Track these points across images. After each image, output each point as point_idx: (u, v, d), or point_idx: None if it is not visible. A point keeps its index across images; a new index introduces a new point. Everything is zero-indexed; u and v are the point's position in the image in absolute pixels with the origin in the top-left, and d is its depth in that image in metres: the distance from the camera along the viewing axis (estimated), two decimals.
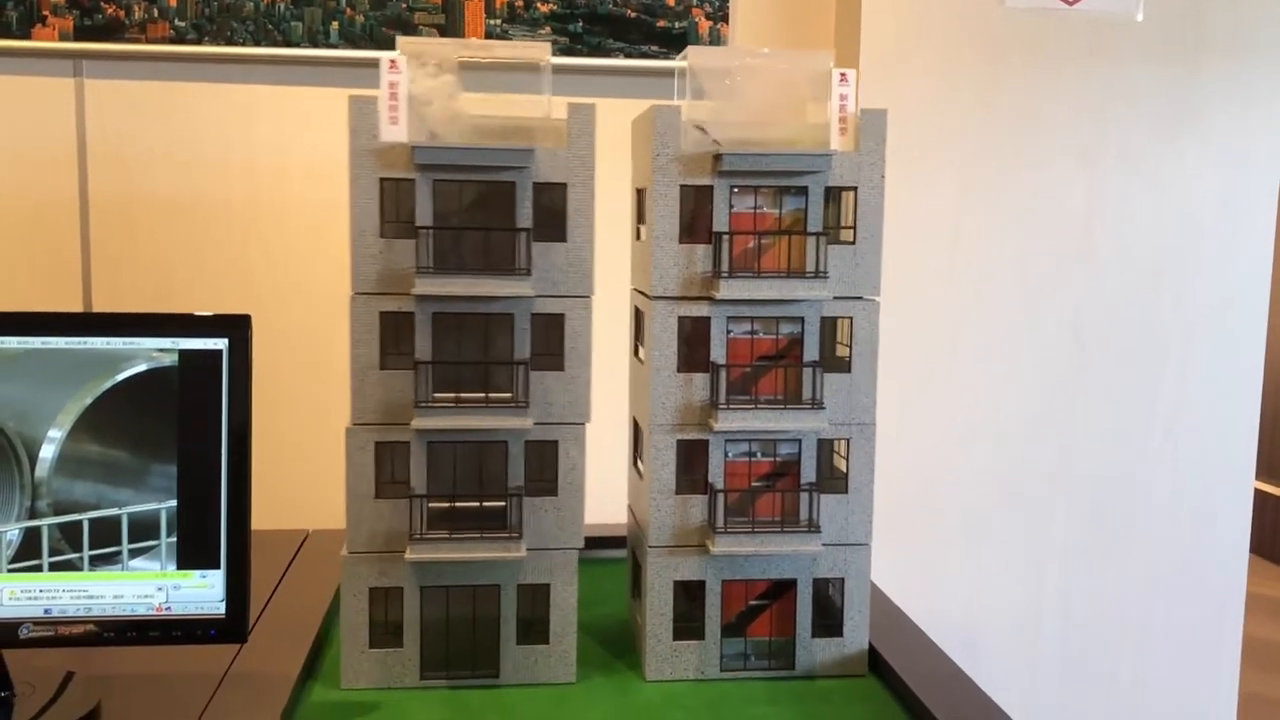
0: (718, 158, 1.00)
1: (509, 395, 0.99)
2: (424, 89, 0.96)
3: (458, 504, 0.99)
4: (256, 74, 1.54)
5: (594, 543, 1.37)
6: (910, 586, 1.62)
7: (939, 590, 1.66)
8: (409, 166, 0.96)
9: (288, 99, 1.54)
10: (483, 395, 0.98)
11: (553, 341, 1.00)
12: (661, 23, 1.62)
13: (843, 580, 1.07)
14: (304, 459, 1.55)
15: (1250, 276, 1.68)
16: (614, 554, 1.32)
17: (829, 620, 1.08)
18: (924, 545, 1.65)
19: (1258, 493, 2.05)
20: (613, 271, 1.17)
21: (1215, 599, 1.72)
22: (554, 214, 0.99)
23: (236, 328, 0.94)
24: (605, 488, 1.24)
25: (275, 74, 1.54)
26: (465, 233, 0.98)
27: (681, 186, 1.01)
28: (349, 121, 0.96)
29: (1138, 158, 1.64)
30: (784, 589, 1.07)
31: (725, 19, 1.64)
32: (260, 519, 1.54)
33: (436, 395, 0.98)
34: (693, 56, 1.04)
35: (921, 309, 1.61)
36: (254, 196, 1.57)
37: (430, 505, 0.99)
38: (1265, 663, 2.83)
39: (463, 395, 0.99)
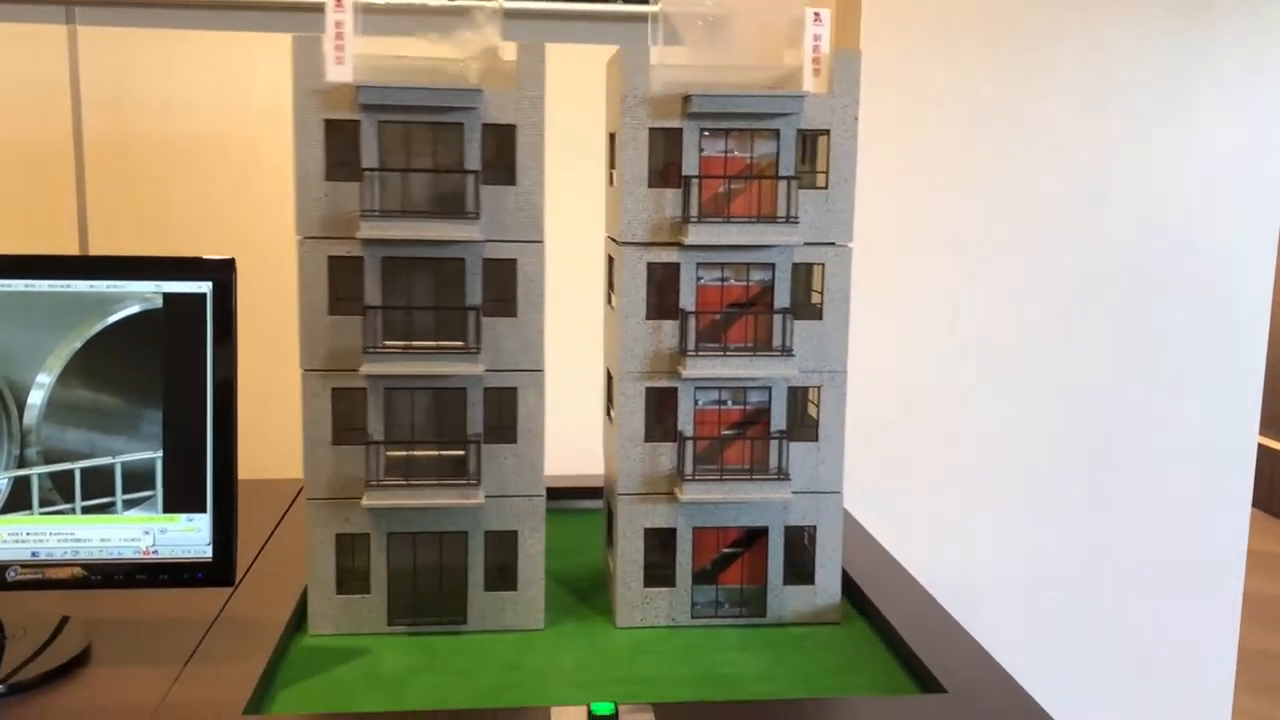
0: (687, 99, 0.97)
1: (461, 342, 0.98)
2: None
3: (418, 452, 0.99)
4: (251, 20, 1.52)
5: (576, 493, 1.38)
6: (904, 537, 1.61)
7: (935, 541, 1.65)
8: (354, 108, 0.95)
9: (282, 44, 1.53)
10: (434, 341, 0.97)
11: (505, 287, 0.98)
12: None
13: (814, 528, 1.06)
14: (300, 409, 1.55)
15: (1258, 224, 1.64)
16: (595, 504, 1.32)
17: (801, 569, 1.07)
18: (921, 495, 1.63)
19: (1261, 448, 2.01)
20: (596, 220, 1.15)
21: (1217, 553, 1.70)
22: (504, 157, 0.97)
23: (220, 271, 0.94)
24: (589, 438, 1.23)
25: (269, 20, 1.52)
26: (413, 176, 0.96)
27: (650, 129, 0.99)
28: (292, 61, 0.94)
29: (1146, 103, 1.59)
30: (756, 537, 1.06)
31: None
32: (258, 468, 1.56)
33: (386, 341, 0.97)
34: None
35: (924, 254, 1.58)
36: (250, 141, 1.56)
37: (390, 453, 0.98)
38: (1266, 618, 2.80)
39: (413, 341, 0.97)
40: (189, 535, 0.94)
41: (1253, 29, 1.59)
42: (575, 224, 1.26)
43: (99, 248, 1.56)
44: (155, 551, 0.94)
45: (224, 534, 0.94)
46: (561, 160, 1.33)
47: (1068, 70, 1.56)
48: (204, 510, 0.94)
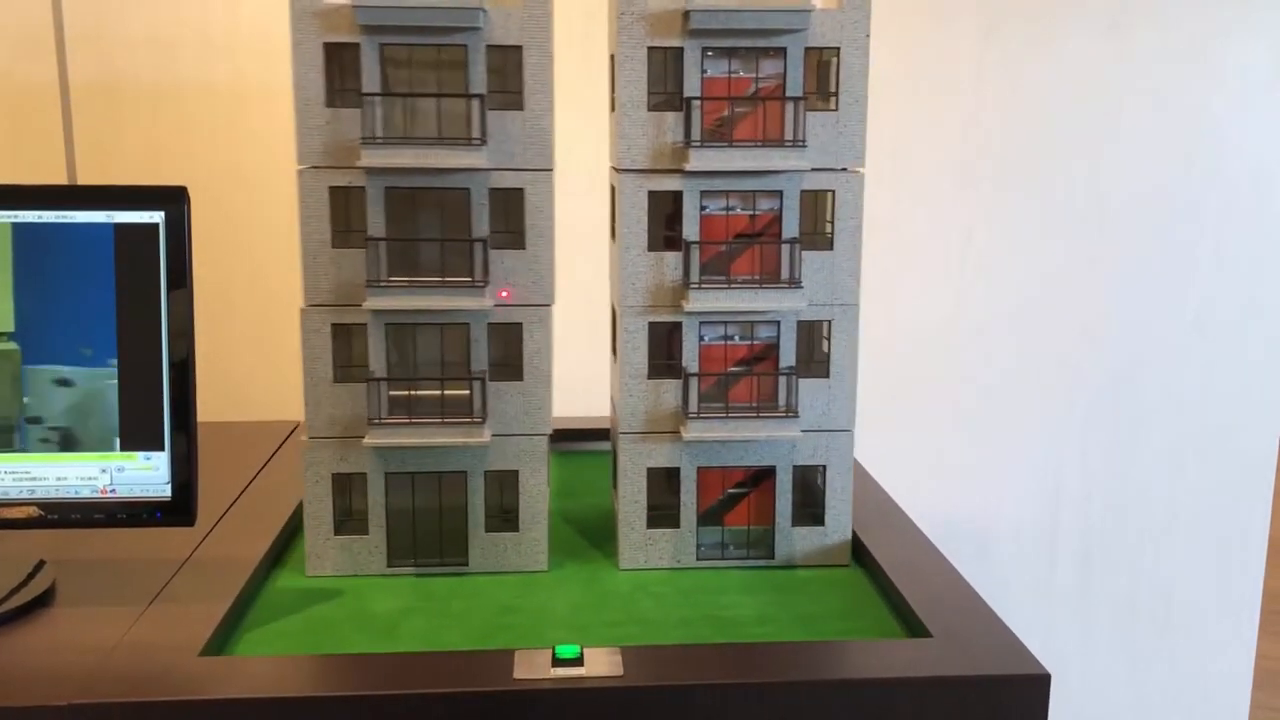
0: (687, 16, 0.92)
1: (467, 276, 0.94)
2: None
3: (420, 390, 0.96)
4: None
5: (589, 434, 1.35)
6: (916, 480, 1.58)
7: (949, 484, 1.61)
8: (354, 30, 0.90)
9: None
10: (440, 275, 0.94)
11: (512, 218, 0.94)
12: None
13: (824, 468, 1.03)
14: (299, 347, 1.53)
15: None
16: (606, 446, 1.29)
17: (811, 509, 1.04)
18: (933, 436, 1.60)
19: None
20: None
21: (1242, 494, 1.66)
22: (510, 80, 0.93)
23: (172, 200, 0.90)
24: (601, 378, 1.20)
25: None
26: (417, 103, 0.92)
27: (649, 49, 0.94)
28: None
29: (1173, 26, 1.52)
30: (764, 477, 1.03)
31: None
32: (254, 409, 1.54)
33: (391, 275, 0.93)
34: None
35: (938, 185, 1.53)
36: (238, 77, 1.52)
37: (393, 391, 0.95)
38: None
39: (418, 275, 0.94)
40: (147, 474, 0.91)
41: None
42: (596, 156, 1.21)
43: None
44: (113, 490, 0.91)
45: (183, 473, 0.91)
46: (583, 88, 1.28)
47: None
48: (161, 449, 0.91)
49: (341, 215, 0.94)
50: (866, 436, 1.57)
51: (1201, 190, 1.57)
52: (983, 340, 1.57)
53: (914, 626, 0.89)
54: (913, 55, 1.49)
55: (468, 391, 0.96)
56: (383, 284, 0.93)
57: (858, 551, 1.05)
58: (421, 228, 0.95)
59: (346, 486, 1.00)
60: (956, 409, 1.59)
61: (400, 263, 0.94)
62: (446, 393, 0.96)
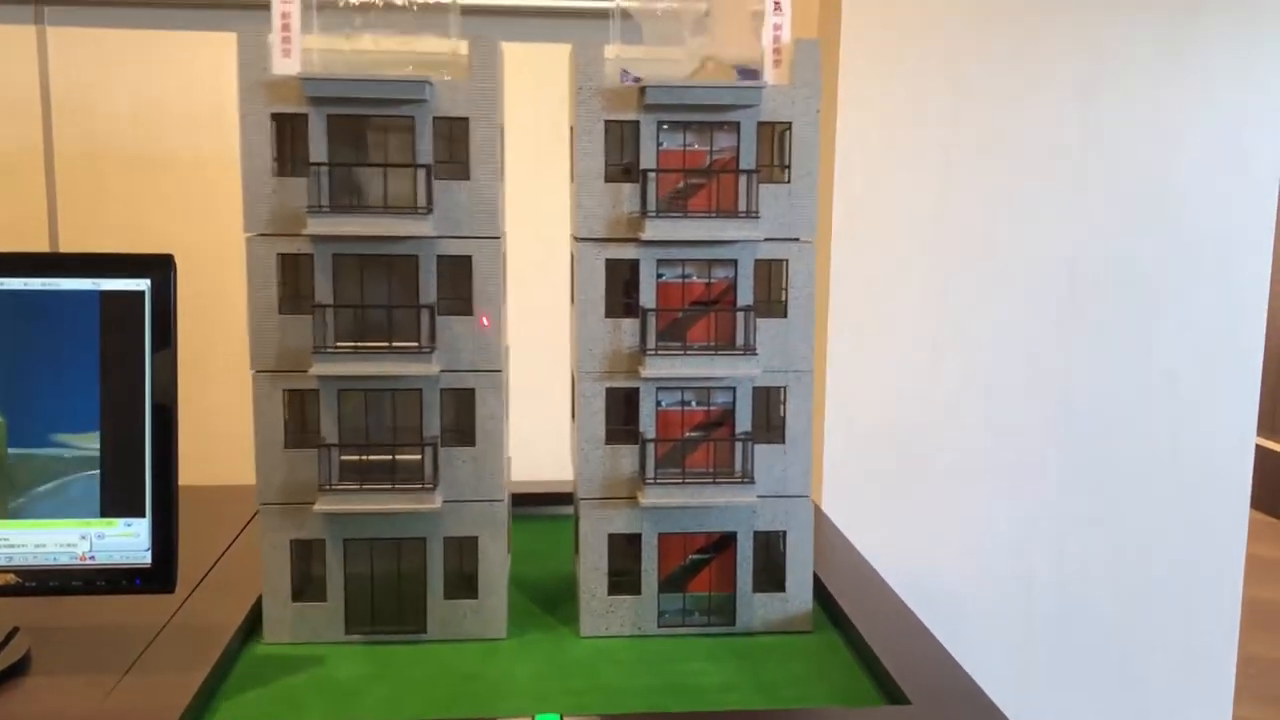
0: (642, 91, 0.95)
1: (415, 342, 0.95)
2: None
3: (373, 455, 0.96)
4: (225, 20, 1.51)
5: (553, 499, 1.35)
6: (890, 543, 1.58)
7: (923, 546, 1.61)
8: (302, 101, 0.92)
9: None
10: (387, 341, 0.95)
11: (460, 285, 0.96)
12: None
13: (784, 534, 1.03)
14: None
15: (1253, 215, 1.60)
16: (570, 510, 1.29)
17: (772, 576, 1.04)
18: (907, 499, 1.60)
19: (1260, 449, 1.97)
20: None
21: (1215, 557, 1.66)
22: (457, 151, 0.95)
23: (158, 268, 0.91)
24: (565, 441, 1.20)
25: (243, 19, 1.50)
26: (364, 171, 0.94)
27: (606, 122, 0.96)
28: (238, 55, 0.92)
29: (1136, 92, 1.56)
30: (726, 544, 1.03)
31: None
32: (230, 474, 1.54)
33: (338, 341, 0.94)
34: None
35: (909, 247, 1.55)
36: (222, 143, 1.54)
37: (344, 456, 0.96)
38: (1267, 623, 2.75)
39: (366, 341, 0.95)
40: (127, 540, 0.91)
41: (1244, 21, 1.55)
42: (558, 224, 1.23)
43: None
44: (92, 557, 0.91)
45: (164, 539, 0.91)
46: (543, 159, 1.30)
47: (1057, 61, 1.53)
48: (143, 515, 0.91)
49: (290, 282, 0.95)
50: (840, 499, 1.58)
51: (1167, 256, 1.60)
52: (955, 404, 1.59)
53: (891, 692, 0.88)
54: (882, 123, 1.52)
55: (420, 457, 0.96)
56: (330, 350, 0.94)
57: (832, 614, 1.06)
58: (369, 294, 0.96)
59: (306, 553, 1.00)
60: (930, 472, 1.60)
61: (348, 328, 0.95)
62: (398, 458, 0.96)
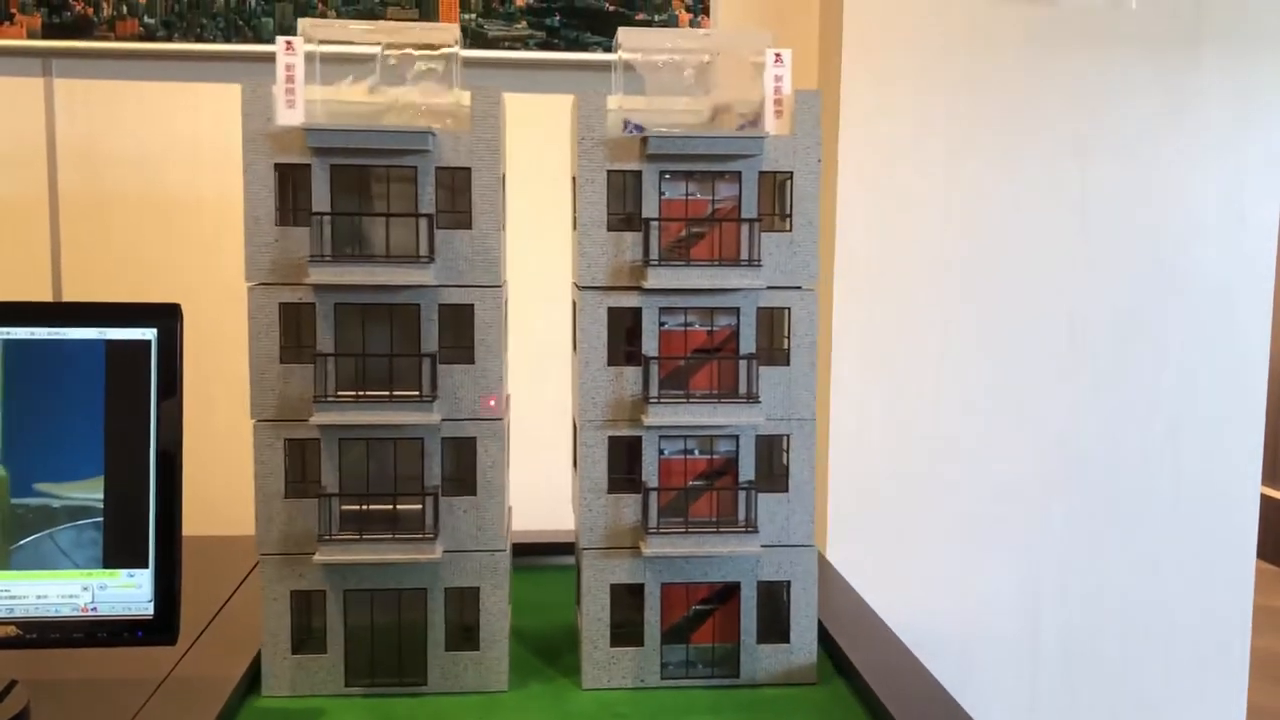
0: (645, 141, 0.96)
1: (415, 390, 0.95)
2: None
3: (373, 505, 0.96)
4: (228, 71, 1.52)
5: (554, 548, 1.34)
6: (896, 593, 1.57)
7: (928, 597, 1.60)
8: (305, 151, 0.93)
9: None
10: (388, 390, 0.95)
11: (462, 334, 0.96)
12: (640, 16, 1.59)
13: (788, 584, 1.02)
14: None
15: (1253, 268, 1.61)
16: (571, 560, 1.28)
17: (776, 626, 1.03)
18: (912, 550, 1.59)
19: (1265, 499, 1.95)
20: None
21: (1222, 608, 1.64)
22: (459, 200, 0.95)
23: (165, 317, 0.91)
24: (564, 491, 1.20)
25: (247, 71, 1.52)
26: (366, 220, 0.95)
27: (609, 172, 0.97)
28: (241, 105, 0.92)
29: (1135, 148, 1.57)
30: (729, 594, 1.02)
31: (706, 11, 1.60)
32: (231, 525, 1.53)
33: (339, 390, 0.94)
34: (624, 38, 1.00)
35: (911, 302, 1.55)
36: (226, 194, 1.55)
37: (345, 506, 0.95)
38: (1275, 673, 2.71)
39: (367, 390, 0.95)
40: (130, 591, 0.90)
41: (1240, 68, 1.57)
42: (561, 273, 1.24)
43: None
44: (94, 609, 0.90)
45: (167, 590, 0.91)
46: (543, 208, 1.31)
47: (1054, 115, 1.55)
48: (146, 566, 0.90)
49: (291, 331, 0.95)
50: (843, 546, 1.57)
51: (1165, 307, 1.60)
52: (958, 452, 1.58)
53: None
54: (883, 173, 1.53)
55: (420, 506, 0.96)
56: (331, 399, 0.94)
57: (838, 664, 1.04)
58: (370, 342, 0.96)
59: (306, 604, 0.99)
60: (933, 520, 1.59)
61: (349, 377, 0.95)
62: (399, 508, 0.95)
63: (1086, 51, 1.54)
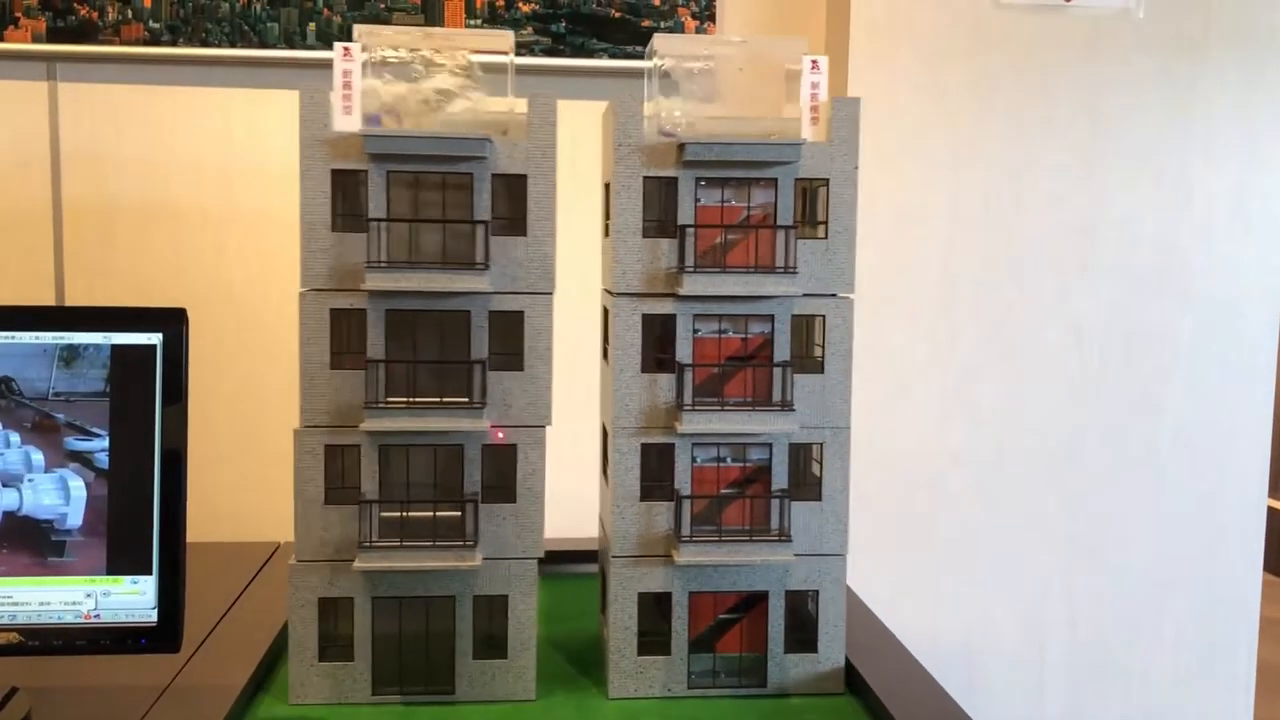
0: (681, 148, 0.95)
1: (465, 397, 0.94)
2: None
3: (411, 511, 0.95)
4: (232, 76, 1.51)
5: (574, 556, 1.34)
6: (904, 603, 1.57)
7: (935, 608, 1.60)
8: (362, 158, 0.93)
9: (264, 101, 1.52)
10: (438, 397, 0.94)
11: (512, 340, 0.95)
12: (646, 22, 1.59)
13: (817, 593, 1.02)
14: (284, 468, 1.51)
15: (1260, 279, 1.62)
16: (593, 568, 1.27)
17: (803, 635, 1.03)
18: (919, 561, 1.59)
19: (1273, 512, 1.96)
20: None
21: (1229, 619, 1.65)
22: (514, 207, 0.95)
23: (171, 322, 0.90)
24: (589, 499, 1.19)
25: (251, 76, 1.51)
26: (421, 227, 0.94)
27: (645, 178, 0.97)
28: (300, 111, 0.92)
29: (1140, 158, 1.58)
30: (756, 602, 1.02)
31: (712, 18, 1.60)
32: (235, 530, 1.52)
33: (389, 397, 0.93)
34: (659, 44, 1.00)
35: (918, 313, 1.55)
36: (230, 200, 1.54)
37: (385, 513, 0.94)
38: None
39: (417, 397, 0.94)
40: (133, 598, 0.89)
41: (1247, 77, 1.58)
42: (592, 280, 1.24)
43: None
44: (97, 615, 0.89)
45: (171, 597, 0.89)
46: (576, 215, 1.31)
47: (1062, 119, 1.55)
48: (150, 572, 0.89)
49: (341, 337, 0.94)
50: (850, 556, 1.57)
51: (1175, 320, 1.61)
52: (965, 466, 1.58)
53: None
54: (892, 187, 1.53)
55: (460, 513, 0.95)
56: (380, 405, 0.93)
57: (851, 678, 1.04)
58: (420, 349, 0.95)
59: (332, 611, 0.98)
60: (941, 534, 1.59)
61: (398, 384, 0.95)
62: (439, 514, 0.95)
63: (1094, 59, 1.55)
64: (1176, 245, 1.60)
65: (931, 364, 1.57)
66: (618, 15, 1.58)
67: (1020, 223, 1.56)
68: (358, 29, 0.95)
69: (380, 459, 0.95)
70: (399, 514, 0.94)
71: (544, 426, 0.97)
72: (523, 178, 0.95)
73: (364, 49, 0.91)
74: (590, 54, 1.57)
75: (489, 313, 0.95)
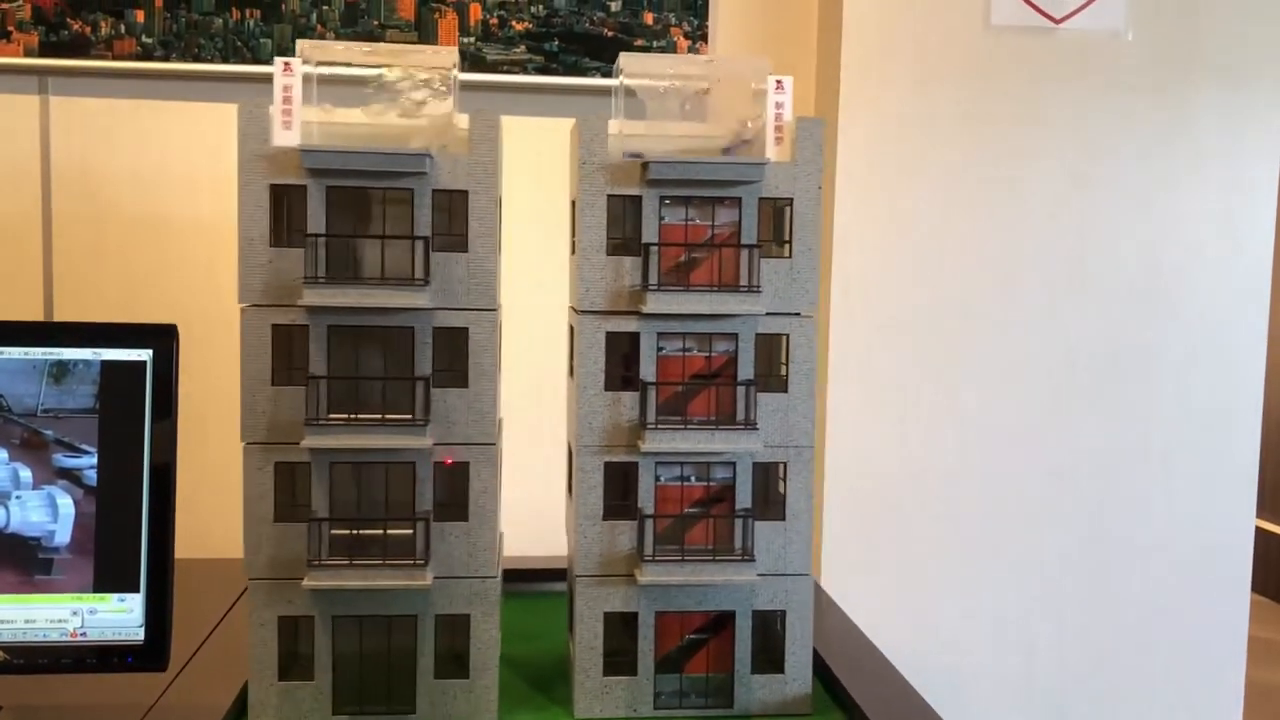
0: (645, 166, 0.95)
1: (408, 414, 0.94)
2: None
3: (364, 530, 0.94)
4: (225, 91, 1.52)
5: (545, 575, 1.33)
6: (890, 621, 1.55)
7: (922, 625, 1.58)
8: (302, 173, 0.92)
9: None
10: (381, 414, 0.93)
11: (456, 357, 0.95)
12: (639, 42, 1.59)
13: (784, 613, 1.01)
14: None
15: (1248, 298, 1.61)
16: (562, 586, 1.27)
17: (772, 656, 1.02)
18: (905, 579, 1.57)
19: (1260, 532, 1.95)
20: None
21: (1216, 638, 1.63)
22: (455, 223, 0.94)
23: (161, 338, 0.90)
24: (562, 516, 1.19)
25: (244, 92, 1.51)
26: (361, 243, 0.94)
27: (609, 196, 0.97)
28: (238, 126, 0.92)
29: (1131, 176, 1.57)
30: (724, 623, 1.01)
31: (704, 38, 1.60)
32: (221, 546, 1.51)
33: (332, 413, 0.93)
34: (626, 63, 1.00)
35: (907, 329, 1.55)
36: (222, 214, 1.54)
37: (335, 531, 0.94)
38: (1270, 710, 2.70)
39: (359, 414, 0.94)
40: (120, 616, 0.89)
41: (1235, 98, 1.58)
42: (558, 299, 1.24)
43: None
44: (84, 633, 0.89)
45: (158, 615, 0.89)
46: (561, 232, 1.31)
47: (1051, 140, 1.55)
48: (137, 590, 0.89)
49: (283, 353, 0.94)
50: (838, 575, 1.56)
51: (1163, 339, 1.60)
52: (952, 482, 1.57)
53: None
54: (880, 202, 1.53)
55: (411, 531, 0.94)
56: (322, 422, 0.92)
57: (834, 694, 1.03)
58: (364, 365, 0.95)
59: (294, 630, 0.97)
60: (928, 549, 1.57)
61: (342, 400, 0.94)
62: (390, 533, 0.94)
63: (1083, 81, 1.54)
64: (1165, 265, 1.59)
65: (921, 382, 1.56)
66: (611, 34, 1.58)
67: (1009, 241, 1.56)
68: (300, 44, 0.94)
69: (331, 476, 0.94)
70: (349, 532, 0.94)
71: (492, 444, 0.96)
72: (464, 194, 0.94)
73: (304, 62, 0.91)
74: (583, 73, 1.57)
75: (433, 329, 0.95)
